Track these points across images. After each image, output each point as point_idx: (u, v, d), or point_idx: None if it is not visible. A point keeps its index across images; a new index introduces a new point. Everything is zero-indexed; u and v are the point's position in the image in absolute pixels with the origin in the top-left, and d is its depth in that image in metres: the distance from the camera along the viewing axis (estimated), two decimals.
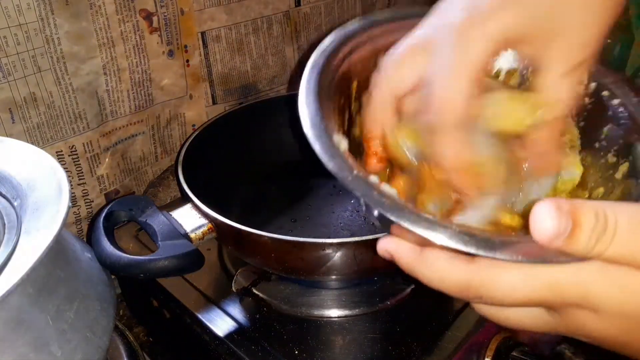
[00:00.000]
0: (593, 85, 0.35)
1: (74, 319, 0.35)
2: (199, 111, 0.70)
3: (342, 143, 0.30)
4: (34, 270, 0.29)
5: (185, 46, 0.65)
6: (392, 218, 0.25)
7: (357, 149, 0.35)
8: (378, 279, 0.55)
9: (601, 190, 0.33)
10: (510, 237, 0.25)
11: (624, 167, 0.33)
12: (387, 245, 0.29)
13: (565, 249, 0.23)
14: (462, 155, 0.31)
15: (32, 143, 0.47)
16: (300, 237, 0.45)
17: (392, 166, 0.35)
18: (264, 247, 0.47)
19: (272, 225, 0.61)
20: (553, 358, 0.49)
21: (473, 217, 0.31)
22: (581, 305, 0.24)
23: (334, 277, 0.49)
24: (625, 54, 0.70)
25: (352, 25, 0.36)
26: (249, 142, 0.68)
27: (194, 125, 0.70)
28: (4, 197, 0.37)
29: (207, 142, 0.62)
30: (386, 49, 0.34)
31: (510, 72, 0.33)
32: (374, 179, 0.28)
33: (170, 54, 0.64)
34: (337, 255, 0.45)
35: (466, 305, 0.51)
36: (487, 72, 0.32)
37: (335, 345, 0.49)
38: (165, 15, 0.61)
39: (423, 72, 0.31)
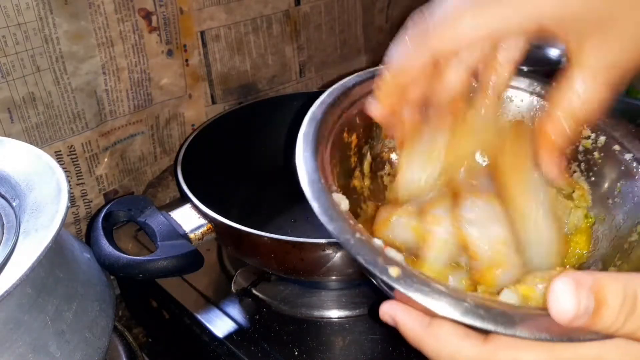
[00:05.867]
0: (602, 139, 0.34)
1: (73, 319, 0.35)
2: (198, 111, 0.70)
3: (343, 202, 0.28)
4: (32, 270, 0.29)
5: (185, 45, 0.65)
6: (401, 289, 0.23)
7: (357, 202, 0.34)
8: None
9: (617, 253, 0.31)
10: (529, 311, 0.24)
11: (639, 228, 0.31)
12: (391, 312, 0.26)
13: (589, 328, 0.21)
14: (409, 66, 0.29)
15: (31, 143, 0.47)
16: (300, 237, 0.45)
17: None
18: (263, 248, 0.47)
19: (272, 226, 0.61)
20: None
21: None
22: None
23: (334, 277, 0.49)
24: None
25: (352, 79, 0.35)
26: (248, 142, 0.68)
27: (193, 125, 0.70)
28: (3, 197, 0.37)
29: (207, 142, 0.62)
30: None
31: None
32: (378, 242, 0.26)
33: (170, 53, 0.63)
34: (337, 256, 0.45)
35: None
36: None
37: (335, 346, 0.49)
38: (164, 15, 0.61)
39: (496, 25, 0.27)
